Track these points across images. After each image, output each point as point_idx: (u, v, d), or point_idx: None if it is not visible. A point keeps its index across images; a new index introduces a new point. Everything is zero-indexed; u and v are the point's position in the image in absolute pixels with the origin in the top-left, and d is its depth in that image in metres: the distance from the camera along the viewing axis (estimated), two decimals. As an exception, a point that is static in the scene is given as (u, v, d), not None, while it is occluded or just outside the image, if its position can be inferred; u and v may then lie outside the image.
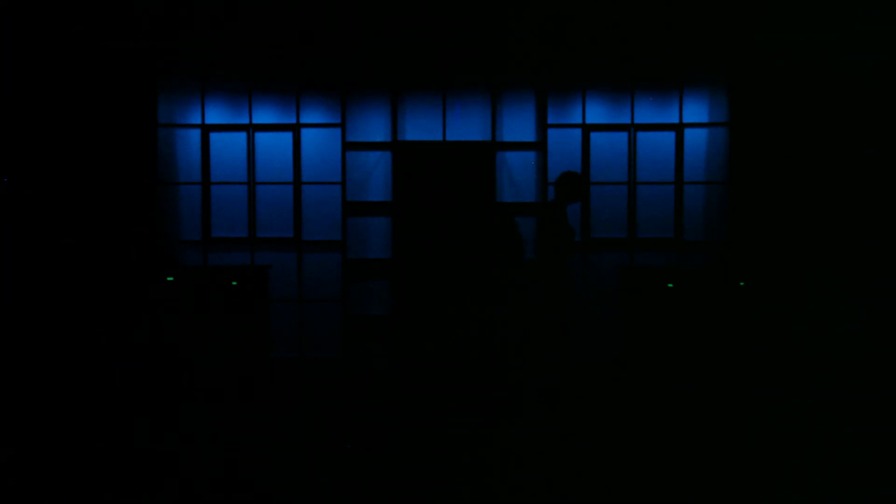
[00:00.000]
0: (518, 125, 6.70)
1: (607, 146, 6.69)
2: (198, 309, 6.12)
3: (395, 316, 6.55)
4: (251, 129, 6.70)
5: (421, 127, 6.71)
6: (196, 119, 6.73)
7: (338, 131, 6.67)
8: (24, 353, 6.12)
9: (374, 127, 6.71)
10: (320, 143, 6.75)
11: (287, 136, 6.74)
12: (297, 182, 6.71)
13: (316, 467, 3.95)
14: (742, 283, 6.12)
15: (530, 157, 6.70)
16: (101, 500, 3.52)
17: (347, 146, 6.62)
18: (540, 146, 6.57)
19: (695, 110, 6.69)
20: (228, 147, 6.76)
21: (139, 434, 4.55)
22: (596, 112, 6.69)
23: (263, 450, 4.25)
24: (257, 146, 6.76)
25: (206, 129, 6.71)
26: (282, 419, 4.90)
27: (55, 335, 6.17)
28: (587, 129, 6.66)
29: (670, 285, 6.14)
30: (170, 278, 5.96)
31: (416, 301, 6.57)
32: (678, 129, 6.63)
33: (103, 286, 6.26)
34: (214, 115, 6.73)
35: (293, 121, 6.70)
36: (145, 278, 6.27)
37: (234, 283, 6.17)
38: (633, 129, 6.62)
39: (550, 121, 6.62)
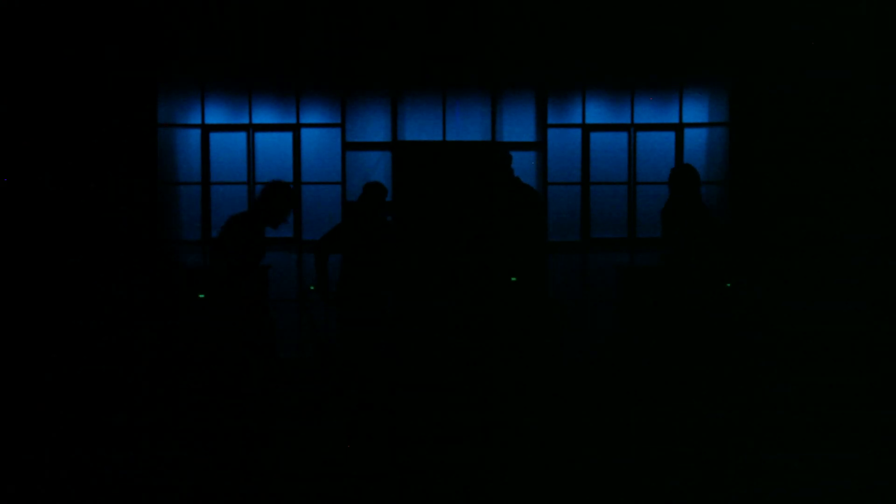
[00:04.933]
0: (518, 125, 6.70)
1: (607, 146, 6.69)
2: (198, 309, 6.11)
3: (395, 315, 6.54)
4: (251, 129, 6.70)
5: (421, 127, 6.71)
6: (196, 119, 6.72)
7: (338, 131, 6.67)
8: (22, 353, 6.11)
9: (374, 127, 6.71)
10: (320, 143, 6.75)
11: (287, 137, 6.74)
12: (298, 182, 6.70)
13: (317, 466, 3.95)
14: (728, 284, 6.11)
15: (530, 157, 6.70)
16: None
17: (347, 146, 6.62)
18: (540, 146, 6.57)
19: (695, 110, 6.70)
20: (228, 147, 6.76)
21: (144, 433, 4.54)
22: (596, 112, 6.69)
23: (265, 450, 4.25)
24: (257, 146, 6.76)
25: (206, 130, 6.71)
26: (283, 419, 4.89)
27: (54, 335, 6.17)
28: (587, 129, 6.66)
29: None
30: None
31: (417, 301, 6.56)
32: (678, 129, 6.64)
33: (102, 286, 6.26)
34: (214, 115, 6.73)
35: (293, 121, 6.70)
36: (145, 278, 6.27)
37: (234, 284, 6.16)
38: (633, 129, 6.63)
39: (550, 121, 6.62)
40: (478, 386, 5.85)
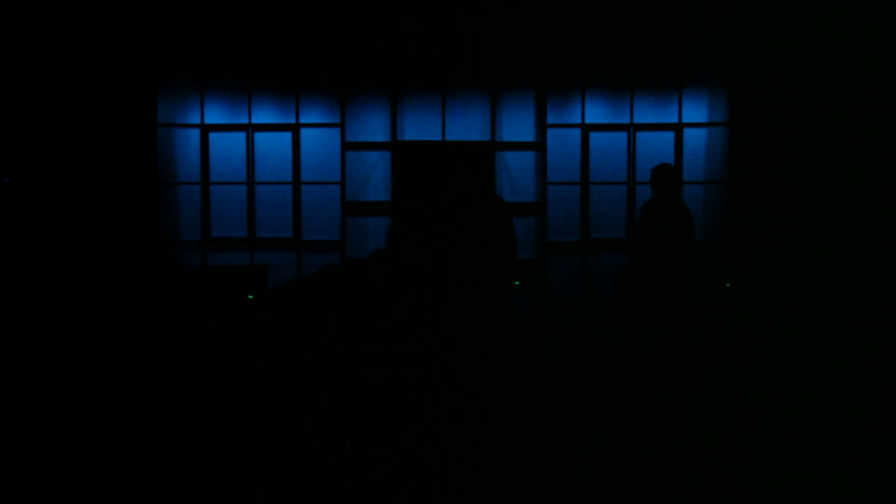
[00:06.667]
0: (517, 125, 6.70)
1: (607, 146, 6.69)
2: (197, 309, 6.11)
3: (394, 316, 6.53)
4: (250, 128, 6.70)
5: (420, 127, 6.70)
6: (195, 119, 6.72)
7: (337, 131, 6.67)
8: (22, 352, 6.10)
9: (373, 127, 6.70)
10: (320, 143, 6.75)
11: (286, 136, 6.74)
12: (297, 182, 6.70)
13: (316, 463, 3.95)
14: (728, 284, 6.10)
15: (530, 157, 6.70)
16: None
17: (347, 146, 6.62)
18: (539, 146, 6.57)
19: (694, 110, 6.69)
20: (228, 147, 6.75)
21: (143, 428, 4.54)
22: (595, 112, 6.69)
23: (267, 448, 4.25)
24: (256, 146, 6.76)
25: (206, 129, 6.71)
26: (281, 419, 4.89)
27: (53, 332, 6.16)
28: (587, 128, 6.65)
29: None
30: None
31: (415, 301, 6.56)
32: (677, 129, 6.64)
33: (103, 286, 6.25)
34: (214, 115, 6.73)
35: (292, 121, 6.70)
36: (145, 278, 6.27)
37: (234, 284, 6.17)
38: (632, 128, 6.63)
39: (550, 121, 6.62)
40: (475, 385, 5.84)
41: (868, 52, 6.23)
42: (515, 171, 6.73)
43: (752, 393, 5.38)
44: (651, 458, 4.07)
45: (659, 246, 5.33)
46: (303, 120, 6.70)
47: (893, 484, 3.65)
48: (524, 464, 3.99)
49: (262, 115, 6.73)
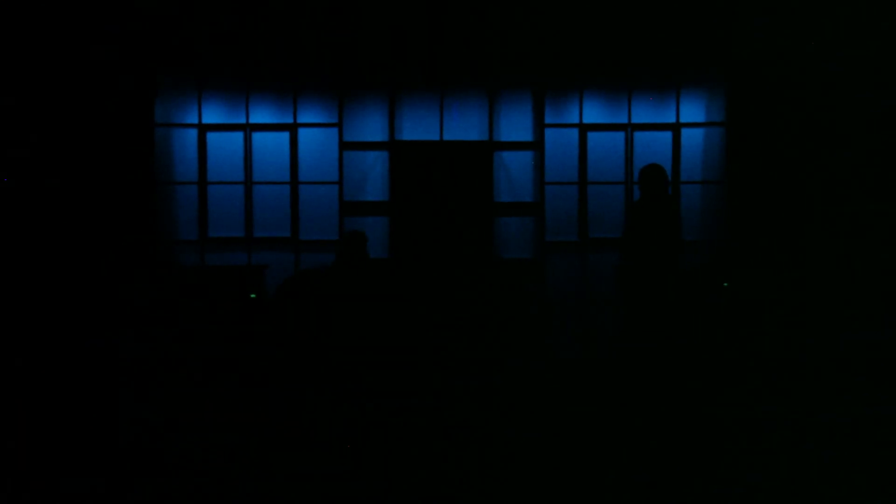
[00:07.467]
0: (515, 125, 6.71)
1: (605, 146, 6.70)
2: (194, 309, 6.10)
3: (393, 315, 6.52)
4: (248, 128, 6.69)
5: (418, 127, 6.70)
6: (193, 119, 6.71)
7: (335, 131, 6.66)
8: (21, 353, 6.08)
9: (371, 127, 6.70)
10: (317, 143, 6.74)
11: (284, 136, 6.73)
12: (294, 182, 6.70)
13: (314, 461, 3.94)
14: (726, 284, 6.11)
15: (528, 156, 6.71)
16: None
17: (345, 146, 6.61)
18: (537, 146, 6.58)
19: (692, 110, 6.71)
20: (225, 147, 6.74)
21: (137, 425, 4.52)
22: (593, 112, 6.70)
23: (271, 446, 4.24)
24: (254, 146, 6.75)
25: (203, 129, 6.70)
26: (280, 420, 4.88)
27: (50, 334, 6.14)
28: (584, 128, 6.66)
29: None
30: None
31: (414, 301, 6.55)
32: (675, 128, 6.65)
33: (100, 286, 6.23)
34: (211, 115, 6.71)
35: (290, 120, 6.69)
36: (143, 278, 6.25)
37: (232, 283, 6.15)
38: (630, 128, 6.63)
39: (548, 121, 6.62)
40: (475, 384, 5.84)
41: (868, 52, 6.25)
42: (513, 170, 6.73)
43: (751, 393, 5.38)
44: (650, 457, 4.07)
45: (645, 246, 5.34)
46: (300, 120, 6.70)
47: (893, 484, 3.66)
48: (524, 464, 3.98)
49: (259, 115, 6.72)
